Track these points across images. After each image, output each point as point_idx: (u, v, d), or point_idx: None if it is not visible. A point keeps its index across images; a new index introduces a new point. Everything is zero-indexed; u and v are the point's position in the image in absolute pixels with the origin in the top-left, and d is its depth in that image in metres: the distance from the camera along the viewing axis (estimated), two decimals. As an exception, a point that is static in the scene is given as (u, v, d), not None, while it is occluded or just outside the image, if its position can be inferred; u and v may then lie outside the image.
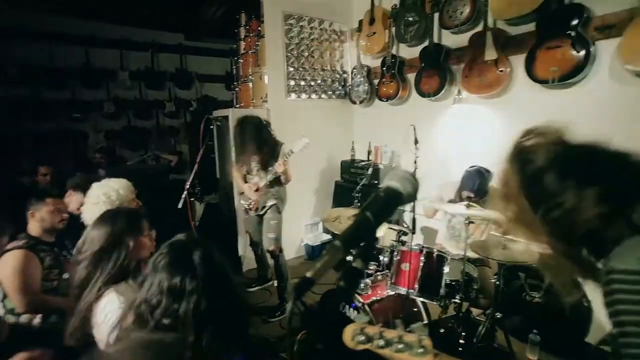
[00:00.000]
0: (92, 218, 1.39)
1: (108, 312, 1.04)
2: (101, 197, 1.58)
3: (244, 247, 3.33)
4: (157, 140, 5.65)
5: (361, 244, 0.41)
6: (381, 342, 0.82)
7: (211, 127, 2.67)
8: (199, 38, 5.76)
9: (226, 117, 3.30)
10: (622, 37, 1.96)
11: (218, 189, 4.06)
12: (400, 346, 0.80)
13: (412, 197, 0.46)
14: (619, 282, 0.59)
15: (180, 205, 2.54)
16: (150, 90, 5.54)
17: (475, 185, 2.22)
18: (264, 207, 2.75)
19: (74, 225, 1.81)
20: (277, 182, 2.69)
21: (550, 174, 0.69)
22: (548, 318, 2.13)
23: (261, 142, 2.59)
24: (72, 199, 2.21)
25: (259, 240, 2.91)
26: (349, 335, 0.86)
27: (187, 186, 2.57)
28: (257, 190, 2.67)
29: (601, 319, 2.04)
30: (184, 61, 5.82)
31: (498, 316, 2.06)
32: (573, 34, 2.11)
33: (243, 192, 2.81)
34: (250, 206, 2.77)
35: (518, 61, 2.49)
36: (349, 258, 0.42)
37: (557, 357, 2.09)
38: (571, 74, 2.15)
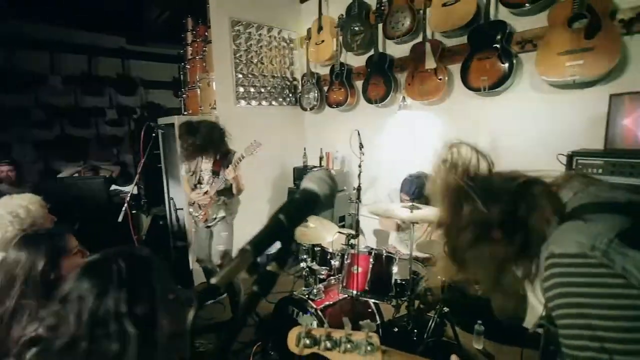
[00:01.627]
0: None
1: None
2: (6, 217, 1.35)
3: (194, 261, 3.18)
4: (97, 150, 5.23)
5: (278, 247, 0.40)
6: (328, 344, 0.79)
7: (153, 134, 2.52)
8: (143, 42, 5.47)
9: (172, 125, 3.14)
10: (536, 51, 2.19)
11: (166, 201, 3.85)
12: (349, 346, 0.78)
13: (329, 199, 0.46)
14: (558, 266, 0.60)
15: (120, 219, 2.37)
16: (88, 96, 5.13)
17: (412, 190, 2.41)
18: (215, 218, 2.65)
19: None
20: (228, 192, 2.61)
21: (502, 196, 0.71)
22: (490, 309, 2.28)
23: (214, 147, 2.49)
24: None
25: (208, 255, 2.79)
26: (294, 340, 0.82)
27: (128, 198, 2.40)
28: (206, 194, 2.56)
29: (535, 306, 2.23)
30: (126, 66, 5.48)
31: (445, 311, 2.18)
32: (498, 46, 2.32)
33: (193, 203, 2.69)
34: (200, 217, 2.65)
35: (455, 70, 2.68)
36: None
37: (499, 344, 2.24)
38: (499, 83, 2.35)
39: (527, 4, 2.19)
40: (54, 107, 4.81)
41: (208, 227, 2.68)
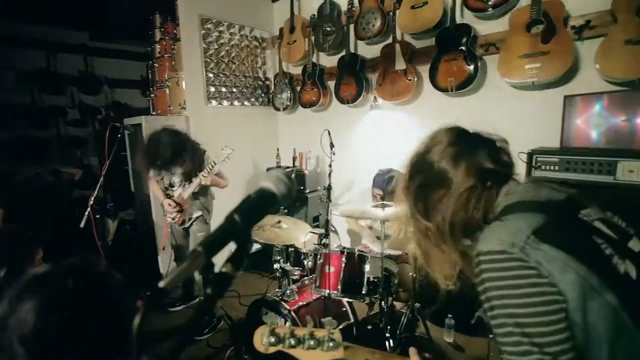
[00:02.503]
0: None
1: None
2: None
3: (165, 265, 3.08)
4: (58, 152, 4.94)
5: (235, 248, 0.39)
6: (292, 342, 0.81)
7: (119, 135, 2.42)
8: (108, 38, 5.22)
9: (139, 125, 3.03)
10: (499, 54, 2.29)
11: (134, 204, 3.70)
12: (312, 343, 0.81)
13: (287, 198, 0.46)
14: (485, 263, 0.65)
15: (82, 224, 2.25)
16: (47, 95, 4.83)
17: (384, 184, 2.44)
18: (190, 219, 2.61)
19: None
20: (202, 192, 2.56)
21: (443, 164, 0.80)
22: (460, 303, 2.35)
23: (182, 154, 2.42)
24: None
25: (185, 255, 2.73)
26: (259, 339, 0.84)
27: (91, 202, 2.28)
28: (179, 205, 2.51)
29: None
30: (89, 63, 5.21)
31: (417, 306, 2.23)
32: (464, 49, 2.41)
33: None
34: (175, 220, 2.60)
35: (424, 71, 2.74)
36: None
37: (469, 336, 2.32)
38: (465, 84, 2.44)
39: (489, 9, 2.29)
40: (7, 106, 4.48)
41: (185, 228, 2.65)
